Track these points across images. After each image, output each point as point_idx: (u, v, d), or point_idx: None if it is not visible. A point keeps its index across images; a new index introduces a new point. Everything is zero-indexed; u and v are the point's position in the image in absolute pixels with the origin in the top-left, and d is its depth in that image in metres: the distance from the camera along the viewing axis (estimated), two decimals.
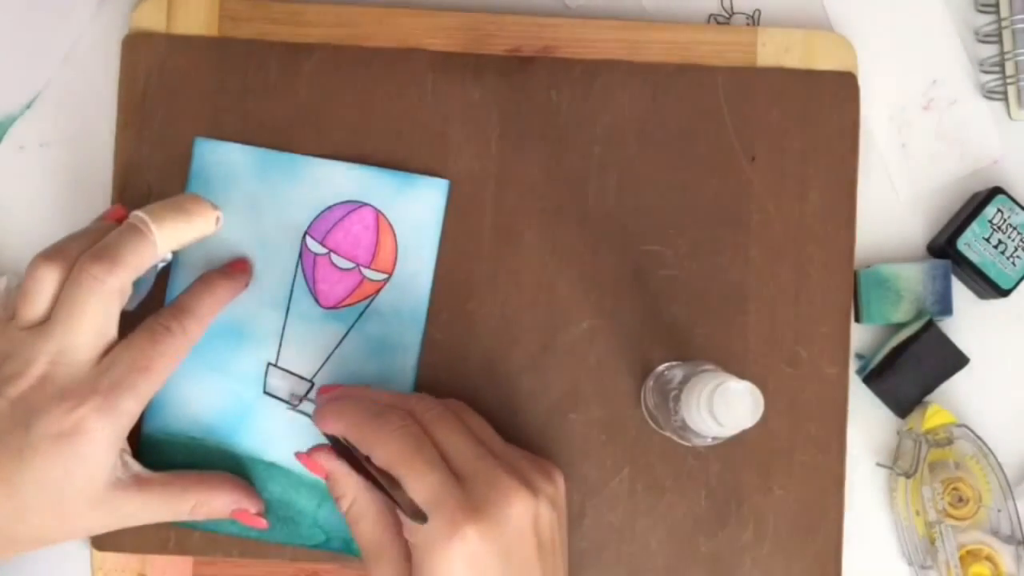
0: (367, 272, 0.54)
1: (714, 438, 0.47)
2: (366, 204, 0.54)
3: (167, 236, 0.49)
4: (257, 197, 0.54)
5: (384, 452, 0.46)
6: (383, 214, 0.54)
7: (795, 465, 0.55)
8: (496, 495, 0.45)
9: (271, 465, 0.54)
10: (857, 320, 0.57)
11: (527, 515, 0.45)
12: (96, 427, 0.46)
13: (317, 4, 0.56)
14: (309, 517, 0.54)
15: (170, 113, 0.55)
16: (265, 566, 0.54)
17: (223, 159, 0.54)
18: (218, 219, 0.51)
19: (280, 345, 0.54)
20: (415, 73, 0.55)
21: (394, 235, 0.54)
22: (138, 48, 0.55)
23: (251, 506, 0.52)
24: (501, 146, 0.55)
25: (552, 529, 0.47)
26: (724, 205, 0.55)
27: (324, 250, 0.54)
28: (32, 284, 0.47)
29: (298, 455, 0.50)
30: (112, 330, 0.48)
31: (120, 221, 0.50)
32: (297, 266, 0.54)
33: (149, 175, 0.55)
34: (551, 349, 0.55)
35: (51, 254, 0.48)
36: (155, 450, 0.53)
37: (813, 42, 0.56)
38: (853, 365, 0.56)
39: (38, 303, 0.47)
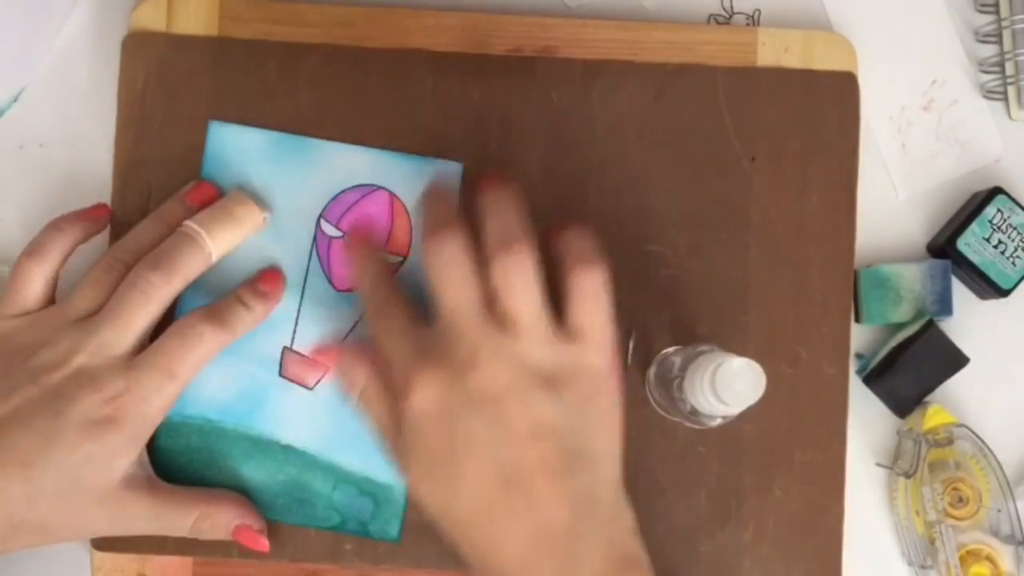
0: None
1: (724, 417, 0.47)
2: (380, 187, 0.55)
3: (220, 245, 0.52)
4: (272, 181, 0.54)
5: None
6: (397, 197, 0.55)
7: (795, 465, 0.55)
8: (460, 352, 0.44)
9: (287, 447, 0.54)
10: (857, 320, 0.57)
11: (491, 381, 0.44)
12: (123, 421, 0.47)
13: (317, 4, 0.56)
14: (324, 499, 0.54)
15: (170, 113, 0.55)
16: (265, 566, 0.54)
17: (238, 142, 0.55)
18: (266, 219, 0.53)
19: (295, 328, 0.54)
20: (415, 73, 0.55)
21: (408, 218, 0.55)
22: (138, 48, 0.55)
23: (254, 523, 0.52)
24: (501, 146, 0.55)
25: (544, 408, 0.44)
26: (724, 205, 0.55)
27: (339, 233, 0.54)
28: (94, 277, 0.50)
29: (312, 350, 0.53)
30: (148, 332, 0.50)
31: (204, 202, 0.52)
32: (312, 249, 0.54)
33: (149, 175, 0.55)
34: None
35: (119, 254, 0.51)
36: (172, 432, 0.53)
37: (813, 42, 0.56)
38: (853, 365, 0.56)
39: (94, 298, 0.49)
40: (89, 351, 0.48)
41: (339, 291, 0.54)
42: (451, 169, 0.55)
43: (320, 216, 0.55)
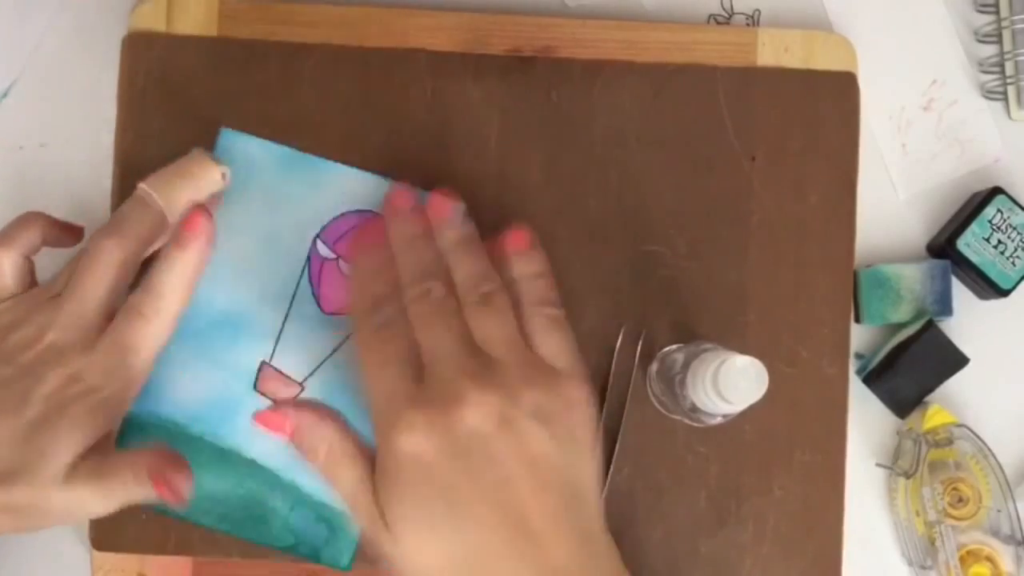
0: None
1: (724, 416, 0.47)
2: (380, 216, 0.54)
3: (172, 202, 0.50)
4: (274, 193, 0.54)
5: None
6: None
7: (795, 465, 0.55)
8: (449, 391, 0.42)
9: (251, 462, 0.53)
10: (857, 320, 0.57)
11: (484, 418, 0.42)
12: (85, 398, 0.47)
13: (317, 4, 0.56)
14: (281, 519, 0.53)
15: (170, 113, 0.55)
16: (265, 566, 0.54)
17: (246, 151, 0.54)
18: (224, 175, 0.52)
19: (276, 344, 0.54)
20: (415, 73, 0.55)
21: None
22: (138, 48, 0.55)
23: (173, 471, 0.48)
24: (501, 146, 0.55)
25: (539, 443, 0.42)
26: (724, 205, 0.55)
27: (333, 255, 0.54)
28: (72, 258, 0.50)
29: (258, 416, 0.47)
30: (114, 301, 0.49)
31: None
32: (304, 267, 0.54)
33: (149, 175, 0.55)
34: None
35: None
36: (139, 432, 0.53)
37: (813, 42, 0.56)
38: (853, 365, 0.56)
39: (67, 275, 0.49)
40: (58, 326, 0.48)
41: (326, 313, 0.54)
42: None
43: (317, 236, 0.54)
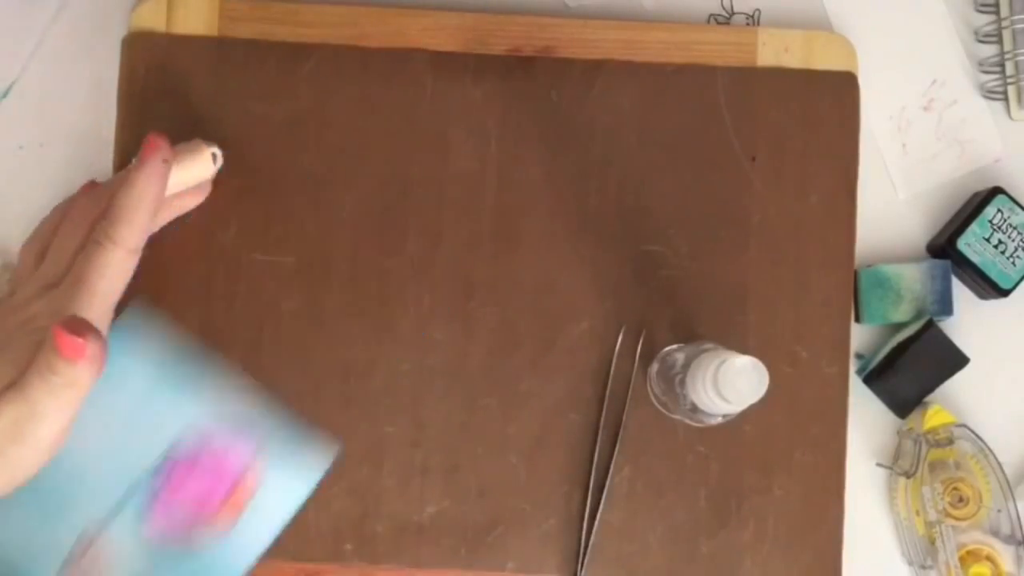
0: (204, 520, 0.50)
1: (724, 416, 0.47)
2: (245, 451, 0.50)
3: None
4: (153, 386, 0.50)
5: None
6: (257, 467, 0.50)
7: (795, 465, 0.55)
8: None
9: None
10: (857, 320, 0.57)
11: None
12: (37, 335, 0.45)
13: (317, 4, 0.56)
14: None
15: (170, 113, 0.55)
16: (265, 566, 0.54)
17: (145, 331, 0.51)
18: (215, 156, 0.51)
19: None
20: (415, 73, 0.55)
21: (252, 494, 0.50)
22: (138, 48, 0.55)
23: (74, 332, 0.43)
24: (501, 146, 0.55)
25: None
26: (724, 205, 0.55)
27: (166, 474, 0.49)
28: None
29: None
30: None
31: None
32: (151, 474, 0.49)
33: None
34: (551, 349, 0.55)
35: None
36: None
37: (813, 42, 0.56)
38: (853, 365, 0.56)
39: None
40: (30, 284, 0.48)
41: (146, 536, 0.49)
42: (324, 454, 0.51)
43: (174, 441, 0.49)
